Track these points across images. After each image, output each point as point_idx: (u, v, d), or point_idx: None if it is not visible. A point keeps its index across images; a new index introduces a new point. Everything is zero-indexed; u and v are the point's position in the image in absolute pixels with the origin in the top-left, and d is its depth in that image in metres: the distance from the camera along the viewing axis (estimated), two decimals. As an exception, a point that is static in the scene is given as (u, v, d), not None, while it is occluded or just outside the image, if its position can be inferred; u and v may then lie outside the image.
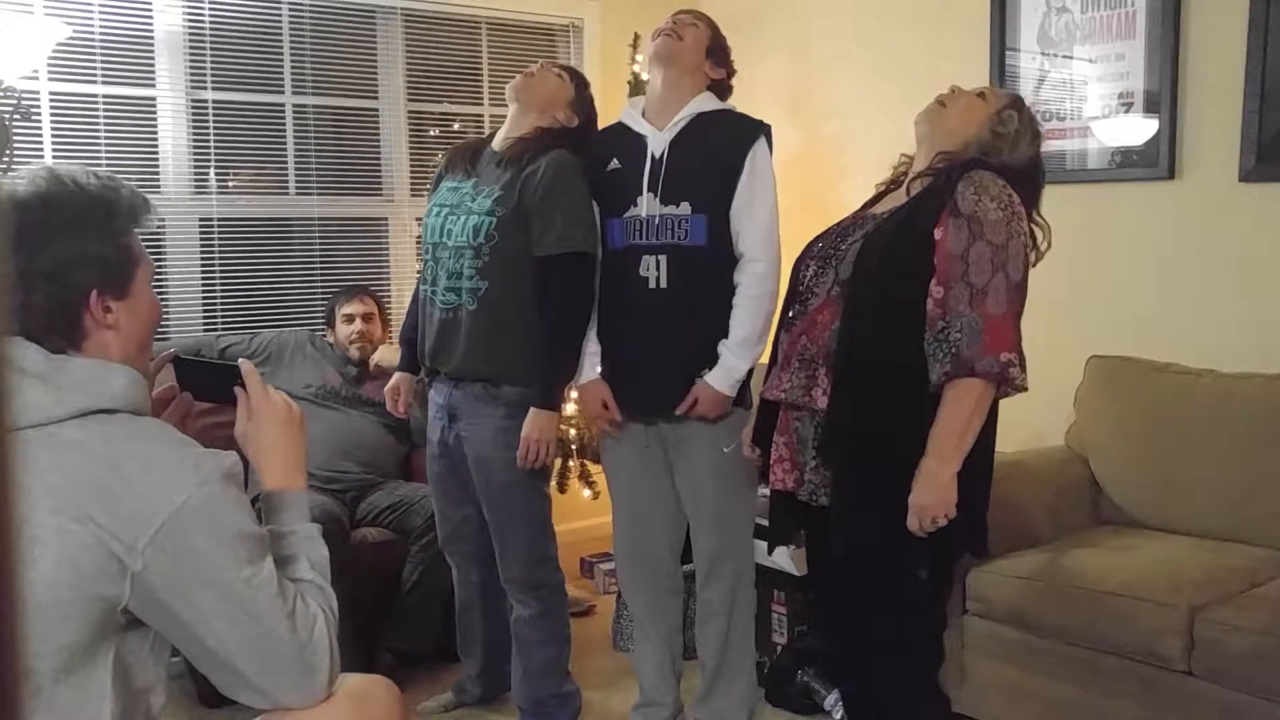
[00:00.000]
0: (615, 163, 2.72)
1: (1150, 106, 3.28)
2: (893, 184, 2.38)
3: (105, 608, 1.32)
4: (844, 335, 2.12)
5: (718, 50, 2.71)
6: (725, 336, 2.63)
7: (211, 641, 1.36)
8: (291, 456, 1.55)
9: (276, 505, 1.53)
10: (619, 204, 2.68)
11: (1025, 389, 2.02)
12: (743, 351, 2.62)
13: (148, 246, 1.51)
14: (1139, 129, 3.31)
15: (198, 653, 1.38)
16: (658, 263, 2.62)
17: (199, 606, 1.34)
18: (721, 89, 2.75)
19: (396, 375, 3.02)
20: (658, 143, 2.66)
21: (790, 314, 2.29)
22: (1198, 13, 3.18)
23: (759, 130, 2.64)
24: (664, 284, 2.62)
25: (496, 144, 2.84)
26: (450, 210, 2.79)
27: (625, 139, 2.73)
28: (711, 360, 2.62)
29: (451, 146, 2.98)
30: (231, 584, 1.35)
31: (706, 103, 2.68)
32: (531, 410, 2.70)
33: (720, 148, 2.62)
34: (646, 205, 2.63)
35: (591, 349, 2.74)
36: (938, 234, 2.03)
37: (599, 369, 2.74)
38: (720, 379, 2.61)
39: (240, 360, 1.60)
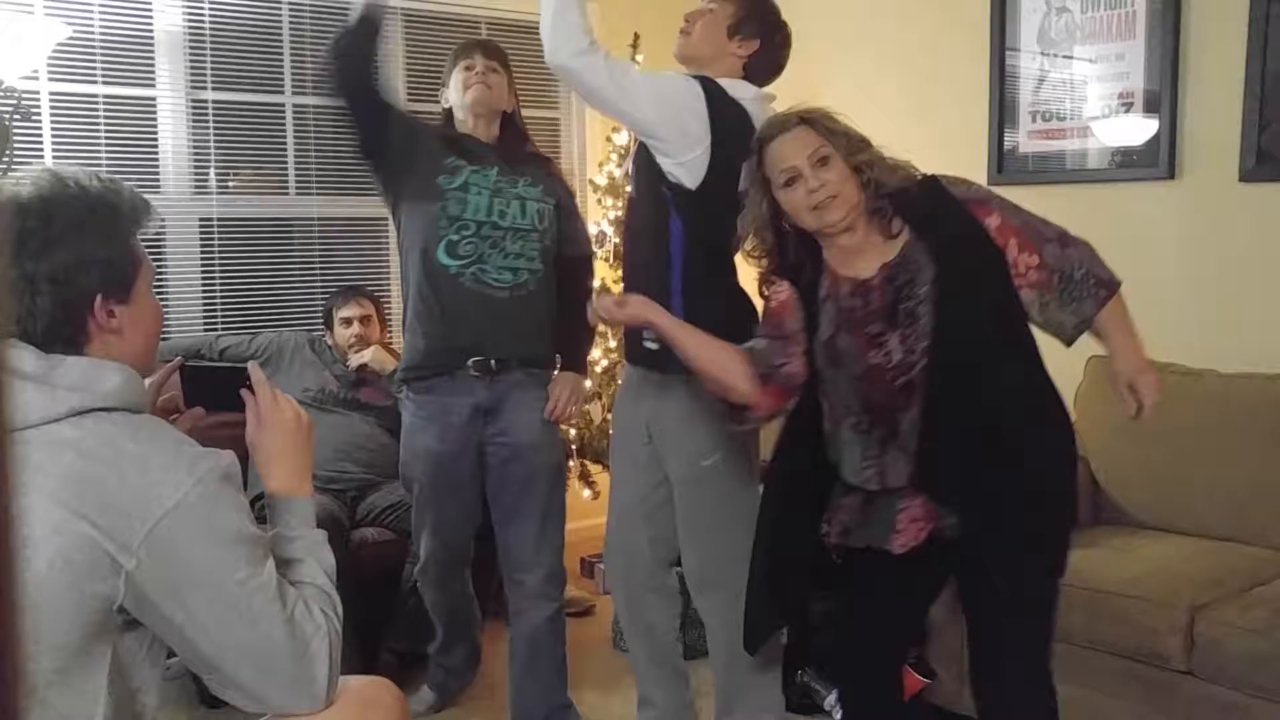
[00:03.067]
0: None
1: (1150, 106, 3.28)
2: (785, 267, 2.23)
3: (100, 607, 1.31)
4: (938, 365, 2.05)
5: (747, 22, 2.56)
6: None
7: (203, 644, 1.35)
8: (299, 463, 1.55)
9: (283, 510, 1.52)
10: None
11: None
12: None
13: (148, 247, 1.50)
14: (1139, 129, 3.31)
15: (191, 654, 1.37)
16: None
17: (191, 608, 1.33)
18: (761, 63, 2.62)
19: None
20: None
21: (903, 401, 2.11)
22: (1198, 13, 3.18)
23: None
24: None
25: (483, 136, 2.84)
26: (494, 192, 2.77)
27: None
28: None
29: (437, 127, 2.92)
30: (225, 586, 1.34)
31: (733, 92, 2.52)
32: (571, 375, 2.91)
33: None
34: None
35: None
36: (992, 221, 2.07)
37: None
38: None
39: (250, 364, 1.59)
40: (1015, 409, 2.08)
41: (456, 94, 2.83)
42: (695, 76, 2.51)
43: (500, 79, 2.84)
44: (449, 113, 2.89)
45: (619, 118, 2.58)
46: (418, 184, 2.74)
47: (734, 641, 2.63)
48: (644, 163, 2.55)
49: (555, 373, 2.90)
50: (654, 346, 2.50)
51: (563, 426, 4.04)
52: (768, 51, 2.63)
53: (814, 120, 2.15)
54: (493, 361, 2.76)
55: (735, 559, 2.57)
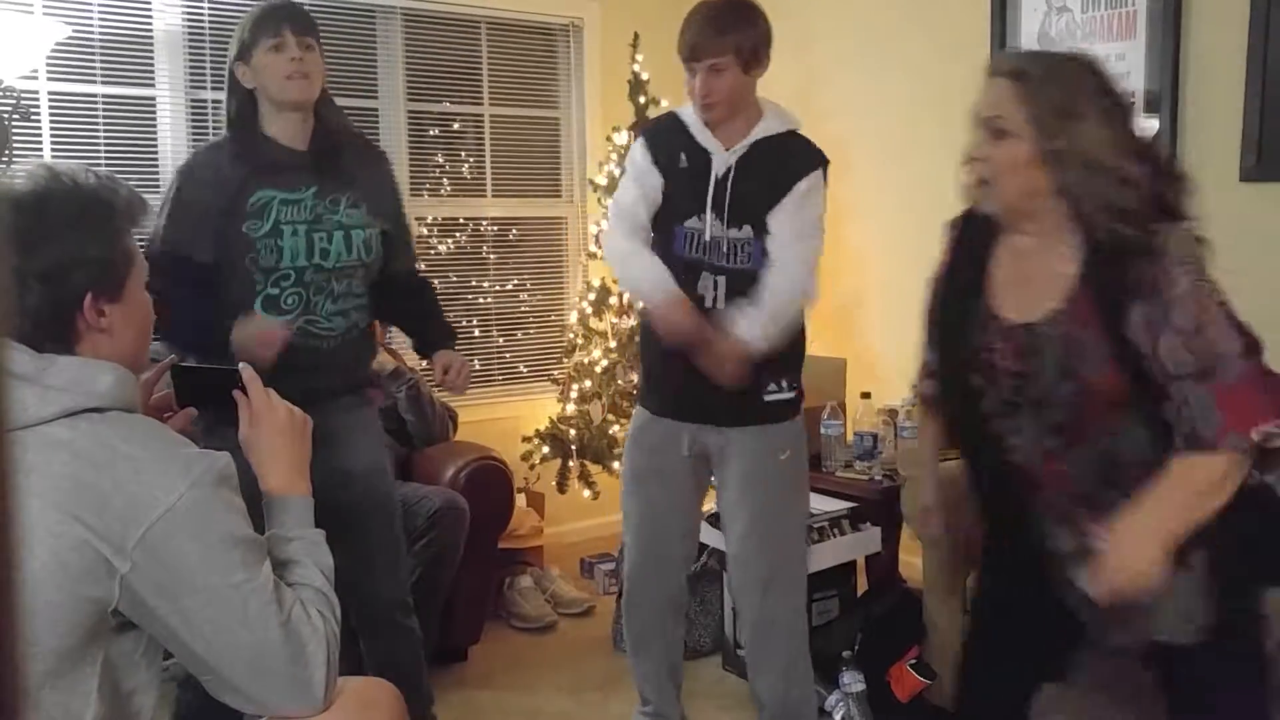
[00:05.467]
0: (684, 160, 2.57)
1: (1151, 106, 3.27)
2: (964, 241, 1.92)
3: (95, 610, 1.31)
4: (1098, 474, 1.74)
5: (755, 52, 2.48)
6: (777, 355, 2.50)
7: (199, 646, 1.35)
8: (294, 462, 1.54)
9: (279, 510, 1.52)
10: (683, 211, 2.56)
11: None
12: (766, 328, 2.45)
13: (144, 245, 1.50)
14: (1139, 129, 3.30)
15: (186, 657, 1.37)
16: (716, 283, 2.53)
17: (187, 611, 1.33)
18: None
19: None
20: (721, 162, 2.53)
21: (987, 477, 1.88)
22: (1198, 12, 3.18)
23: (819, 161, 2.54)
24: (721, 304, 2.52)
25: (300, 144, 2.41)
26: (312, 225, 2.38)
27: (688, 140, 2.57)
28: (771, 377, 2.55)
29: (229, 152, 2.41)
30: (221, 589, 1.33)
31: (773, 124, 2.54)
32: (448, 351, 2.57)
33: (779, 172, 2.52)
34: (709, 225, 2.53)
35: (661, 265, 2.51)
36: (1132, 334, 1.66)
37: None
38: (745, 330, 2.43)
39: (242, 365, 1.58)
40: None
41: (269, 82, 2.33)
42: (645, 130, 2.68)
43: (315, 58, 2.34)
44: (251, 94, 2.38)
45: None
46: (227, 240, 2.34)
47: (796, 637, 2.71)
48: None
49: (438, 353, 2.56)
50: (784, 397, 2.59)
51: (562, 427, 4.06)
52: (769, 54, 2.57)
53: (1026, 78, 1.66)
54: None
55: (797, 558, 2.70)
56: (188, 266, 2.33)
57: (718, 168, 2.53)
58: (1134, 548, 1.62)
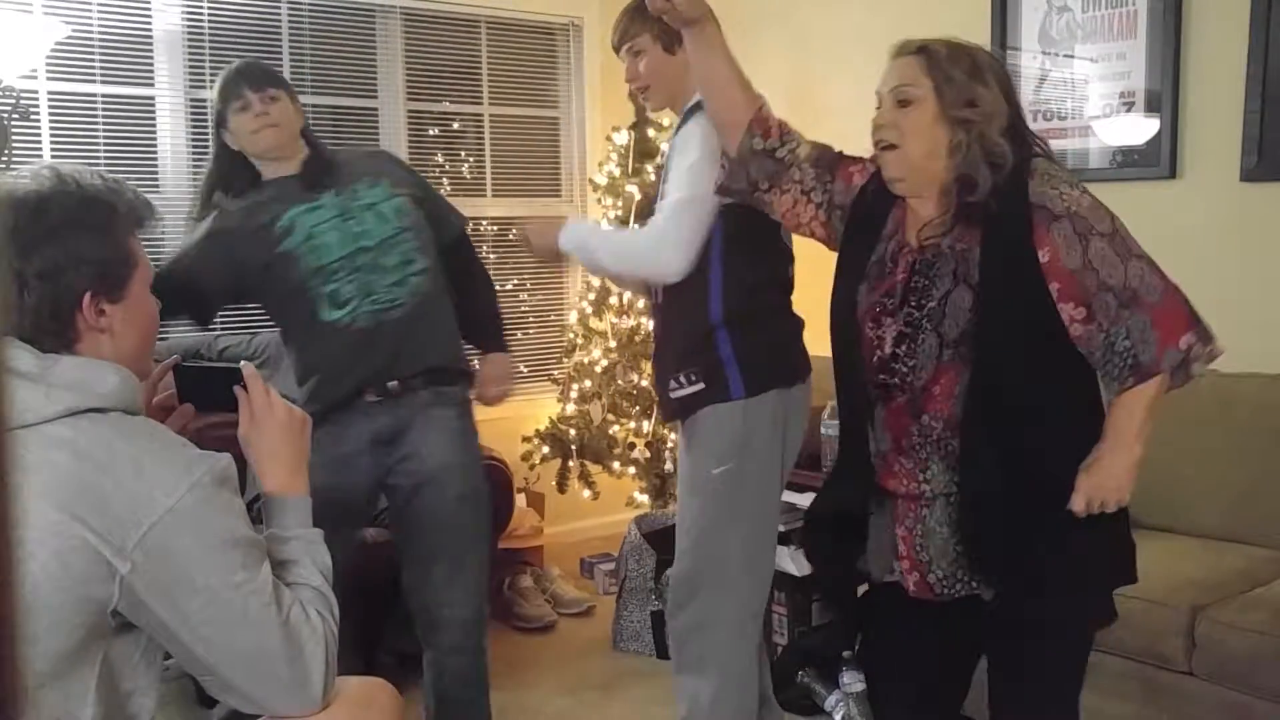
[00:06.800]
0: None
1: (1151, 106, 3.27)
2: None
3: (94, 610, 1.31)
4: (974, 394, 1.81)
5: (670, 35, 2.45)
6: (673, 351, 2.42)
7: (199, 647, 1.35)
8: (293, 461, 1.54)
9: (278, 510, 1.52)
10: None
11: (1220, 351, 1.81)
12: (588, 236, 2.50)
13: (145, 245, 1.50)
14: (1140, 128, 3.30)
15: (185, 657, 1.37)
16: None
17: (186, 611, 1.33)
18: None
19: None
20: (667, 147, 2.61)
21: (880, 394, 1.91)
22: (1199, 12, 3.18)
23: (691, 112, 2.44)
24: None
25: (290, 172, 2.49)
26: (341, 218, 2.45)
27: None
28: (671, 374, 2.41)
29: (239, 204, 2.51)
30: (219, 590, 1.34)
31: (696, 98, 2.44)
32: (499, 355, 2.72)
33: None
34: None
35: None
36: (1043, 255, 1.77)
37: None
38: (571, 226, 2.49)
39: (243, 363, 1.58)
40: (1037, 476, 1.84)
41: (244, 140, 2.46)
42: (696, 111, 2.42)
43: (283, 104, 2.45)
44: (240, 156, 2.49)
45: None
46: (267, 272, 2.45)
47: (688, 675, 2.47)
48: None
49: (483, 357, 2.68)
50: (685, 393, 2.39)
51: (562, 427, 4.06)
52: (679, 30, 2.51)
53: (933, 54, 1.89)
54: (392, 384, 2.45)
55: (723, 582, 2.42)
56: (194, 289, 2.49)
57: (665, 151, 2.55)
58: (1117, 478, 1.80)
